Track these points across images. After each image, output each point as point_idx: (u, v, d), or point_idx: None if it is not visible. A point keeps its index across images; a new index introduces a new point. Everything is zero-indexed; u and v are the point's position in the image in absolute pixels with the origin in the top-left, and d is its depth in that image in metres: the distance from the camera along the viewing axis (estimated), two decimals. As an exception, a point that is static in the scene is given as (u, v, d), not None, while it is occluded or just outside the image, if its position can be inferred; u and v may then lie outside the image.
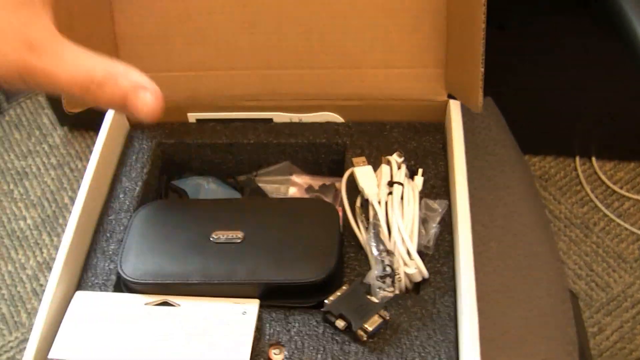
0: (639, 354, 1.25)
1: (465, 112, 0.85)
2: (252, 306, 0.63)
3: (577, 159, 1.50)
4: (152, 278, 0.65)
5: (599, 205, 1.43)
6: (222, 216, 0.69)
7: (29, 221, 1.53)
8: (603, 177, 1.47)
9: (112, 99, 0.43)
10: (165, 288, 0.65)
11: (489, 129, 0.93)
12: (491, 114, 0.95)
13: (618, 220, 1.41)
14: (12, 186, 1.57)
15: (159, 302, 0.64)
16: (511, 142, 0.93)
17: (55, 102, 1.58)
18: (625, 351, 1.26)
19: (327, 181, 0.79)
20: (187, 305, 0.64)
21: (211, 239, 0.67)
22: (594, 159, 1.50)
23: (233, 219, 0.69)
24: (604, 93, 1.34)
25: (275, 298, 0.65)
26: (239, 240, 0.67)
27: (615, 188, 1.46)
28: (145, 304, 0.64)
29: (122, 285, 0.68)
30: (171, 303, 0.64)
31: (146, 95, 0.44)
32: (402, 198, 0.68)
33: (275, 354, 0.62)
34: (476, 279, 0.71)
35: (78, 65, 0.41)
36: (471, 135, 0.92)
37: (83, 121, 1.55)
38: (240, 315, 0.63)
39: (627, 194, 1.45)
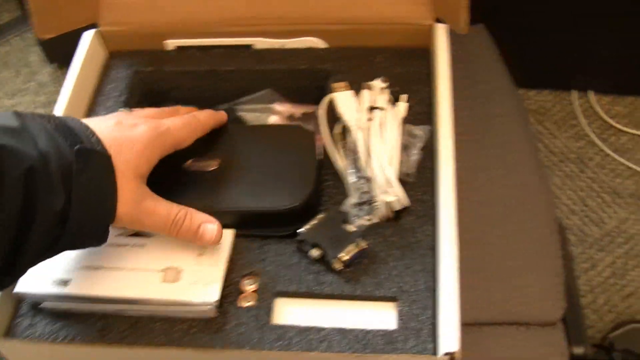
0: (630, 290, 1.24)
1: (456, 40, 0.82)
2: (226, 237, 0.61)
3: (574, 92, 1.47)
4: None
5: (595, 139, 1.41)
6: (197, 144, 0.67)
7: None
8: (600, 111, 1.44)
9: (189, 231, 0.58)
10: None
11: (481, 57, 0.90)
12: (483, 41, 0.92)
13: (614, 155, 1.38)
14: (0, 123, 1.54)
15: (131, 232, 0.63)
16: (504, 71, 0.90)
17: (44, 40, 1.55)
18: (617, 287, 1.25)
19: (310, 109, 0.77)
20: (159, 235, 0.62)
21: (185, 167, 0.65)
22: (591, 92, 1.46)
23: (208, 147, 0.67)
24: (602, 26, 1.31)
25: (250, 227, 0.63)
26: (213, 168, 0.65)
27: (612, 122, 1.43)
28: (117, 235, 0.62)
29: None
30: (143, 233, 0.62)
31: (213, 227, 0.59)
32: (383, 124, 0.65)
33: (248, 284, 0.60)
34: (463, 209, 0.69)
35: (168, 209, 0.58)
36: (462, 63, 0.88)
37: (72, 58, 1.52)
38: (213, 246, 0.61)
39: (624, 128, 1.42)
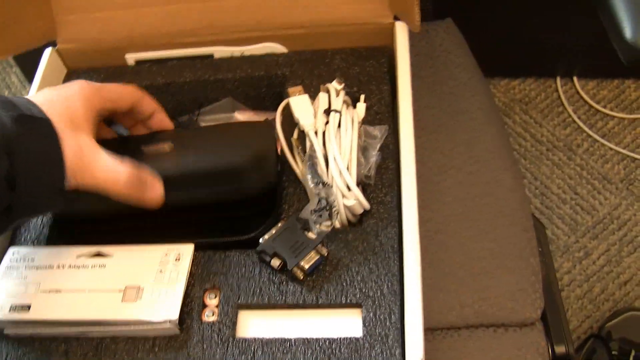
0: (627, 277, 1.22)
1: (424, 36, 0.81)
2: (186, 251, 0.60)
3: (558, 79, 1.45)
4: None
5: (582, 125, 1.39)
6: (151, 139, 0.65)
7: None
8: (585, 97, 1.42)
9: (131, 190, 0.57)
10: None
11: (448, 52, 0.88)
12: (451, 36, 0.91)
13: (602, 141, 1.37)
14: (-16, 147, 1.54)
15: (92, 253, 0.61)
16: (473, 66, 0.88)
17: (23, 60, 1.54)
18: (612, 274, 1.23)
19: (271, 115, 0.75)
20: (120, 254, 0.61)
21: (137, 152, 0.62)
22: (575, 78, 1.44)
23: (163, 139, 0.64)
24: (582, 9, 1.28)
25: (210, 210, 0.62)
26: (167, 151, 0.62)
27: (599, 107, 1.41)
28: (78, 256, 0.61)
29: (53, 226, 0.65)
30: (103, 254, 0.61)
31: (156, 188, 0.59)
32: (339, 126, 0.64)
33: (210, 298, 0.59)
34: (435, 209, 0.68)
35: (110, 165, 0.56)
36: (430, 60, 0.87)
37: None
38: (173, 262, 0.60)
39: (610, 112, 1.40)
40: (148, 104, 0.65)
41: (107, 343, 0.58)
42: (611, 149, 1.36)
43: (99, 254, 0.61)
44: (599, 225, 1.28)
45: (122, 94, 0.63)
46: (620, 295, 1.20)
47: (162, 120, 0.67)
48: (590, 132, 1.38)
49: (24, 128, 0.51)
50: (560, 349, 0.70)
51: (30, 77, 1.55)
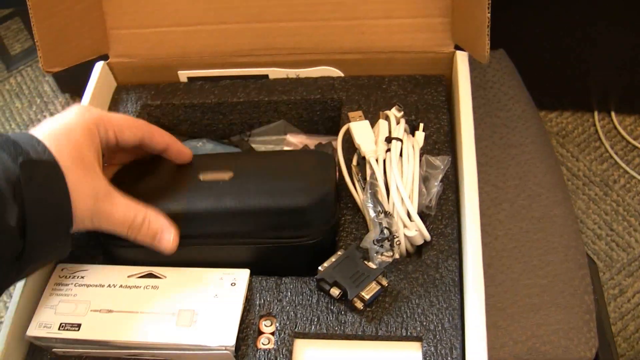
0: (662, 316, 1.21)
1: (476, 67, 0.79)
2: (241, 276, 0.59)
3: (596, 114, 1.43)
4: None
5: (619, 161, 1.37)
6: (211, 163, 0.64)
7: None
8: (623, 132, 1.41)
9: (146, 236, 0.57)
10: None
11: (501, 83, 0.88)
12: (504, 67, 0.90)
13: (639, 177, 1.35)
14: (13, 156, 1.53)
15: (143, 273, 0.60)
16: (525, 97, 0.87)
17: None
18: (649, 312, 1.21)
19: (324, 140, 0.74)
20: (173, 276, 0.60)
21: (199, 178, 0.62)
22: (613, 113, 1.43)
23: (222, 165, 0.64)
24: (622, 45, 1.28)
25: (267, 234, 0.60)
26: (227, 179, 0.61)
27: (636, 143, 1.39)
28: (129, 277, 0.60)
29: (103, 253, 0.64)
30: (156, 274, 0.60)
31: (170, 236, 0.58)
32: (401, 155, 0.62)
33: (266, 325, 0.58)
34: (486, 243, 0.66)
35: (126, 210, 0.56)
36: (482, 90, 0.86)
37: (84, 89, 1.51)
38: (229, 287, 0.58)
39: (648, 149, 1.39)
40: (159, 139, 0.62)
41: (158, 366, 0.56)
42: (648, 186, 1.34)
43: (151, 275, 0.60)
44: (634, 262, 1.26)
45: (128, 125, 0.59)
46: (655, 336, 1.19)
47: (179, 152, 0.64)
48: (628, 168, 1.36)
49: (31, 174, 0.50)
50: (613, 390, 0.68)
51: (63, 87, 1.56)
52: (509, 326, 0.68)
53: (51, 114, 1.58)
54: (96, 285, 0.60)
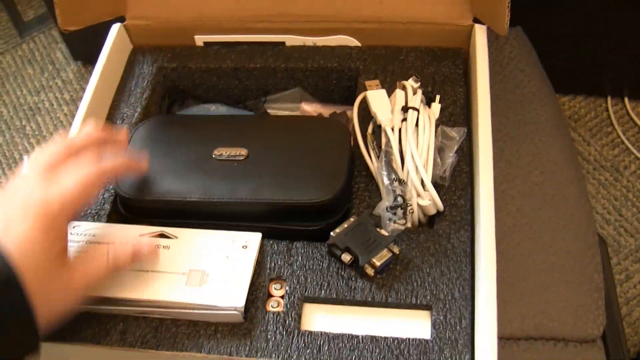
0: (668, 303, 1.20)
1: (493, 42, 0.79)
2: (253, 239, 0.59)
3: (609, 99, 1.43)
4: (150, 195, 0.61)
5: (631, 147, 1.36)
6: (226, 133, 0.65)
7: (40, 157, 1.49)
8: (636, 119, 1.40)
9: (126, 263, 0.55)
10: (163, 206, 0.62)
11: (518, 60, 0.87)
12: (521, 44, 0.89)
13: (650, 164, 1.35)
14: (24, 122, 1.53)
15: (155, 234, 0.60)
16: (541, 75, 0.87)
17: (69, 37, 1.54)
18: (654, 299, 1.21)
19: (338, 109, 0.74)
20: (184, 236, 0.60)
21: (213, 156, 0.63)
22: (626, 99, 1.42)
23: (237, 136, 0.65)
24: (638, 31, 1.27)
25: (280, 221, 0.61)
26: (242, 158, 0.62)
27: (649, 130, 1.39)
28: (140, 235, 0.60)
29: (118, 205, 0.64)
30: (168, 235, 0.60)
31: (144, 248, 0.56)
32: (416, 125, 0.62)
33: (275, 289, 0.58)
34: (498, 218, 0.66)
35: (91, 280, 0.53)
36: (498, 66, 0.86)
37: (97, 55, 1.51)
38: (240, 249, 0.58)
39: (660, 136, 1.38)
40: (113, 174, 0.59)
41: (167, 325, 0.56)
42: (659, 173, 1.34)
43: (162, 235, 0.60)
44: (642, 248, 1.26)
45: (85, 197, 0.54)
46: (659, 322, 1.19)
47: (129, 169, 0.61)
48: (638, 154, 1.35)
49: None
50: (617, 369, 0.68)
51: (75, 54, 1.56)
52: (518, 301, 0.67)
53: (63, 81, 1.58)
54: (107, 243, 0.60)
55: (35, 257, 0.49)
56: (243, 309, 0.55)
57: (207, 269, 0.57)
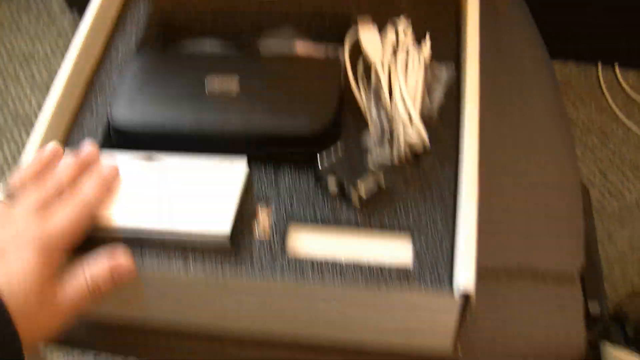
0: (649, 263, 1.23)
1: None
2: (240, 164, 0.60)
3: (600, 65, 1.44)
4: (142, 125, 0.63)
5: (619, 113, 1.38)
6: (219, 67, 0.66)
7: (33, 104, 1.50)
8: (625, 86, 1.42)
9: (108, 283, 0.55)
10: (155, 137, 0.63)
11: (510, 13, 0.88)
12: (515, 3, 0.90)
13: (637, 131, 1.36)
14: (18, 70, 1.54)
15: (144, 159, 0.62)
16: (530, 23, 0.88)
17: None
18: (633, 260, 1.23)
19: (331, 48, 0.75)
20: (172, 161, 0.61)
21: (206, 89, 0.64)
22: (617, 66, 1.44)
23: (230, 69, 0.66)
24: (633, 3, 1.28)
25: (269, 151, 0.62)
26: (234, 92, 0.64)
27: (637, 97, 1.40)
28: (130, 160, 0.61)
29: (111, 134, 0.65)
30: (154, 160, 0.61)
31: (122, 257, 0.56)
32: (406, 63, 0.64)
33: (262, 212, 0.59)
34: (484, 158, 0.68)
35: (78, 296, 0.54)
36: (488, 17, 0.87)
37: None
38: (227, 173, 0.60)
39: (648, 104, 1.40)
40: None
41: (155, 246, 0.58)
42: (646, 139, 1.36)
43: (150, 159, 0.61)
44: (625, 211, 1.28)
45: (76, 232, 0.56)
46: (638, 281, 1.21)
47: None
48: (626, 121, 1.37)
49: None
50: (594, 308, 0.70)
51: (70, 3, 1.56)
52: (502, 236, 0.69)
53: (58, 31, 1.59)
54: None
55: (27, 289, 0.51)
56: (229, 234, 0.56)
57: (193, 194, 0.58)
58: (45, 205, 0.56)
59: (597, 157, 1.34)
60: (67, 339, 0.69)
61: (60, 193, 0.57)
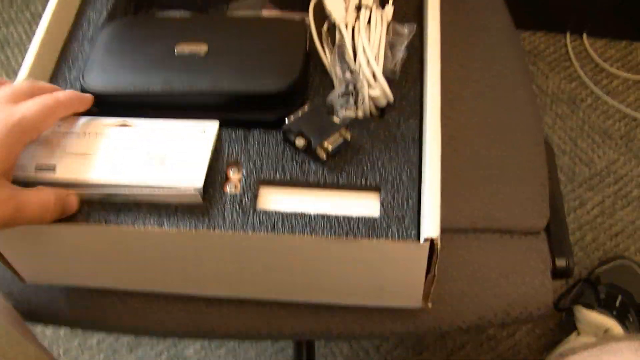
0: (618, 228, 1.25)
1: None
2: (211, 126, 0.62)
3: (568, 35, 1.46)
4: (113, 88, 0.64)
5: (588, 81, 1.41)
6: (187, 31, 0.68)
7: (8, 88, 1.50)
8: (593, 55, 1.44)
9: (59, 214, 0.58)
10: (127, 100, 0.65)
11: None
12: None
13: (606, 98, 1.39)
14: (-7, 55, 1.55)
15: (118, 124, 0.63)
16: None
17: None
18: (605, 225, 1.25)
19: (297, 15, 0.76)
20: (145, 125, 0.62)
21: (175, 52, 0.65)
22: (585, 35, 1.46)
23: (198, 34, 0.67)
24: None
25: (238, 111, 0.64)
26: (202, 53, 0.65)
27: (605, 65, 1.43)
28: (104, 125, 0.63)
29: None
30: (129, 124, 0.63)
31: (73, 199, 0.59)
32: (369, 23, 0.65)
33: (233, 172, 0.61)
34: (450, 116, 0.70)
35: (37, 209, 0.56)
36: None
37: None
38: (198, 134, 0.61)
39: (616, 71, 1.42)
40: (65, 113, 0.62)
41: (129, 207, 0.59)
42: (614, 106, 1.38)
43: (124, 125, 0.63)
44: (595, 177, 1.30)
45: (41, 121, 0.58)
46: (610, 246, 1.23)
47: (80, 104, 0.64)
48: (595, 89, 1.40)
49: None
50: (561, 262, 0.72)
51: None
52: (467, 194, 0.71)
53: (32, 14, 1.59)
54: (71, 133, 0.62)
55: None
56: (201, 190, 0.58)
57: (166, 152, 0.60)
58: (16, 99, 0.58)
59: (568, 126, 1.36)
60: (40, 314, 0.71)
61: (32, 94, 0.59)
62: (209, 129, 0.61)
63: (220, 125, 0.63)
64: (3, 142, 0.54)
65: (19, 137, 0.56)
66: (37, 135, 0.58)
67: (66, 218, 0.59)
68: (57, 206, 0.57)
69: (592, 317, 1.07)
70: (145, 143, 0.61)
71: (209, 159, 0.60)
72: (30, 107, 0.57)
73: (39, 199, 0.56)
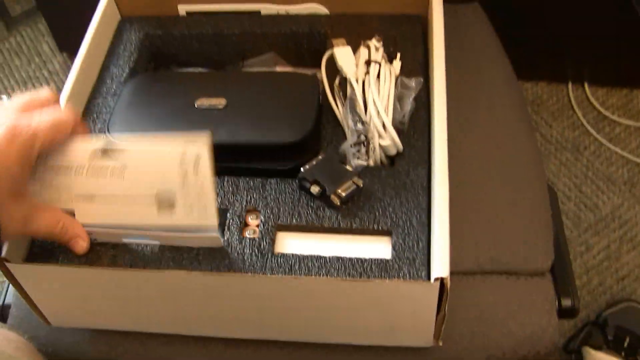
0: (624, 272, 1.27)
1: (452, 15, 0.85)
2: (202, 151, 0.58)
3: (570, 84, 1.51)
4: None
5: (590, 129, 1.44)
6: (206, 85, 0.72)
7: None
8: (595, 103, 1.48)
9: (63, 240, 0.61)
10: None
11: (475, 31, 0.94)
12: (478, 18, 0.96)
13: (608, 145, 1.42)
14: (12, 111, 1.58)
15: (102, 149, 0.59)
16: (496, 44, 0.94)
17: (55, 29, 1.59)
18: (611, 269, 1.28)
19: (309, 71, 0.81)
20: (134, 153, 0.59)
21: (196, 106, 0.70)
22: (586, 84, 1.50)
23: (217, 88, 0.72)
24: (597, 18, 1.34)
25: (255, 161, 0.67)
26: (221, 107, 0.69)
27: (607, 113, 1.47)
28: (91, 157, 0.59)
29: None
30: (116, 149, 0.59)
31: (82, 244, 0.62)
32: (378, 77, 0.69)
33: (251, 219, 0.64)
34: (455, 162, 0.72)
35: (49, 222, 0.60)
36: (457, 34, 0.92)
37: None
38: (193, 167, 0.58)
39: (618, 119, 1.46)
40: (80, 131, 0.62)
41: (154, 251, 0.62)
42: (616, 153, 1.41)
43: (110, 151, 0.60)
44: (600, 222, 1.33)
45: (53, 132, 0.58)
46: (617, 289, 1.25)
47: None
48: (598, 136, 1.43)
49: None
50: (566, 302, 0.74)
51: (61, 46, 1.62)
52: (473, 237, 0.73)
53: (49, 72, 1.64)
54: (65, 168, 0.60)
55: (9, 188, 0.56)
56: (217, 228, 0.59)
57: (171, 190, 0.58)
58: (30, 108, 0.59)
59: (572, 172, 1.39)
60: (64, 356, 0.74)
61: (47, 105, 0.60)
62: (201, 156, 0.58)
63: (239, 176, 0.66)
64: (16, 161, 0.55)
65: (29, 153, 0.56)
66: (45, 149, 0.58)
67: (91, 261, 0.61)
68: (62, 231, 0.61)
69: (601, 359, 1.09)
70: (144, 178, 0.59)
71: (214, 191, 0.58)
72: (42, 120, 0.57)
73: (46, 225, 0.60)
